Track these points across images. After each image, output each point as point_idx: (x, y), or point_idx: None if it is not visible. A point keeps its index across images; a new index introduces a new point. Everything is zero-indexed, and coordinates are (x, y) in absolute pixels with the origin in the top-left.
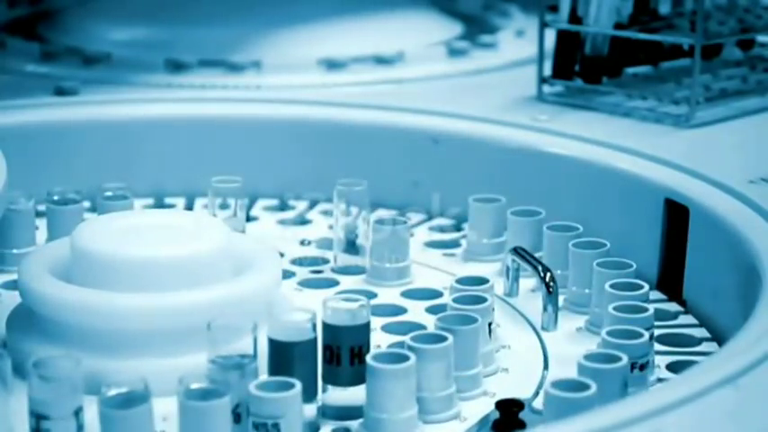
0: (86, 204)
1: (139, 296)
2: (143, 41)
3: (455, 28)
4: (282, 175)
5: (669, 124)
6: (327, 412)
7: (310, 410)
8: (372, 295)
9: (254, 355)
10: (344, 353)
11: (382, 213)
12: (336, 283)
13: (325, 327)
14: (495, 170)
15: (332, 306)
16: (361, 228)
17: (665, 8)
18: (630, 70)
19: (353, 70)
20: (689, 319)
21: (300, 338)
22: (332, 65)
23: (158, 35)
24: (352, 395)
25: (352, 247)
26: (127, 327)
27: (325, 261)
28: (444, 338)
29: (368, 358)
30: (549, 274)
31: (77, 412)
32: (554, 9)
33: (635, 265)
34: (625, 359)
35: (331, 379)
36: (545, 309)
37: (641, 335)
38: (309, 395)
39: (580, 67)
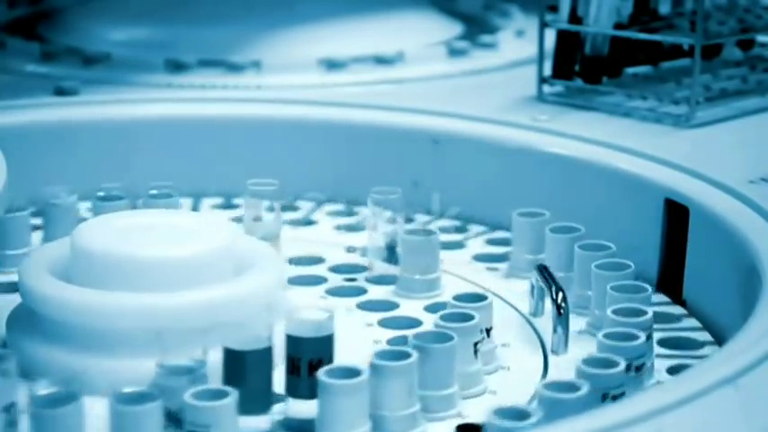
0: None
1: (140, 296)
2: (143, 41)
3: (455, 28)
4: (282, 175)
5: (669, 124)
6: (288, 424)
7: (264, 422)
8: (394, 306)
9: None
10: (304, 365)
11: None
12: (364, 292)
13: (287, 338)
14: (495, 170)
15: (295, 317)
16: (398, 236)
17: (665, 8)
18: (630, 70)
19: (353, 70)
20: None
21: (253, 347)
22: (332, 65)
23: (158, 35)
24: (313, 408)
25: (392, 255)
26: (127, 327)
27: (365, 269)
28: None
29: (319, 373)
30: (561, 295)
31: (9, 408)
32: (554, 9)
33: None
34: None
35: (291, 391)
36: (555, 330)
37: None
38: (263, 406)
39: (580, 67)
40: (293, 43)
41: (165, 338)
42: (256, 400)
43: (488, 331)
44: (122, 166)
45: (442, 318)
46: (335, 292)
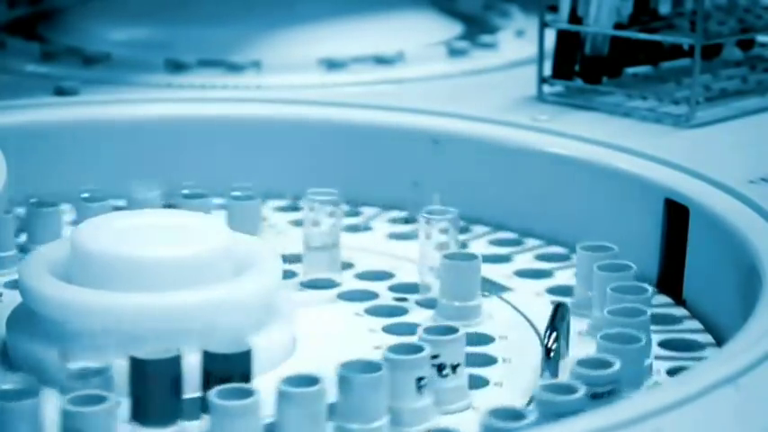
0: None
1: (140, 296)
2: (143, 41)
3: (455, 28)
4: (282, 175)
5: (669, 124)
6: None
7: None
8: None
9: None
10: (214, 381)
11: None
12: (402, 313)
13: (203, 353)
14: (495, 170)
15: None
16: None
17: (665, 8)
18: (630, 70)
19: (353, 70)
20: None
21: (158, 356)
22: (332, 65)
23: (158, 35)
24: None
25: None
26: (126, 327)
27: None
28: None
29: (211, 393)
30: (553, 336)
31: None
32: (554, 9)
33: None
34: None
35: (204, 407)
36: (541, 374)
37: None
38: (165, 419)
39: (580, 67)
40: (293, 43)
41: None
42: (158, 412)
43: (455, 367)
44: (122, 166)
45: (390, 349)
46: (373, 311)
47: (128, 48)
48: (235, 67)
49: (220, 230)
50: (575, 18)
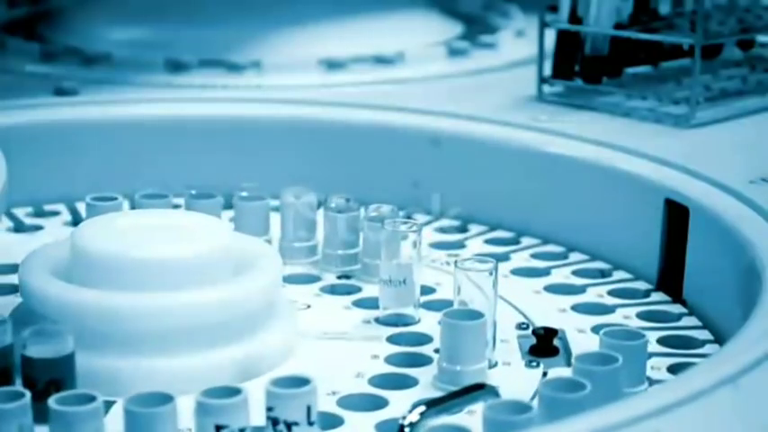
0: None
1: (140, 296)
2: (143, 41)
3: (455, 28)
4: (282, 175)
5: (669, 124)
6: None
7: None
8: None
9: None
10: (41, 386)
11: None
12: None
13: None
14: (495, 170)
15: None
16: None
17: (665, 8)
18: (630, 70)
19: (353, 70)
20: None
21: (45, 355)
22: (332, 65)
23: (158, 35)
24: None
25: None
26: (127, 327)
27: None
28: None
29: (50, 400)
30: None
31: None
32: (554, 9)
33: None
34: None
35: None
36: None
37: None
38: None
39: (580, 67)
40: (293, 43)
41: None
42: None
43: (290, 426)
44: (122, 167)
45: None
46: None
47: (128, 48)
48: (235, 67)
49: (220, 230)
50: (575, 18)
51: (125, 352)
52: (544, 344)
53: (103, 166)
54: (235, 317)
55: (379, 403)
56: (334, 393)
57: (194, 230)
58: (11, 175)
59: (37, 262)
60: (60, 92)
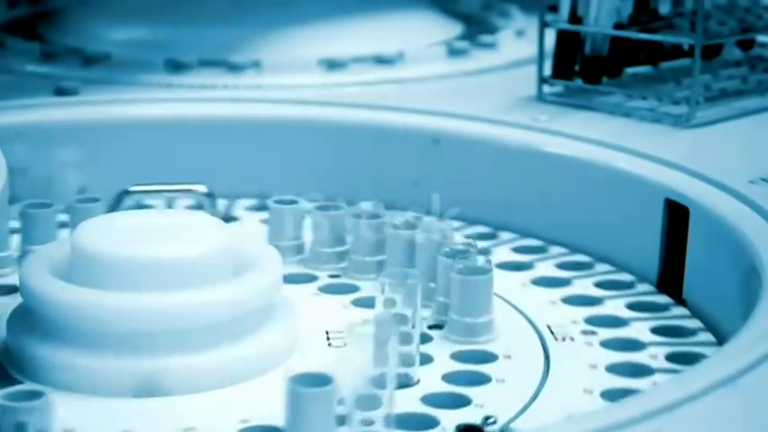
0: None
1: (140, 296)
2: (143, 41)
3: (455, 28)
4: (282, 176)
5: (669, 124)
6: None
7: None
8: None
9: None
10: None
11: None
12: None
13: None
14: (495, 170)
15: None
16: None
17: (665, 8)
18: (630, 70)
19: (353, 70)
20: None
21: None
22: (332, 65)
23: (158, 35)
24: None
25: None
26: (127, 327)
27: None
28: None
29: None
30: None
31: None
32: (554, 9)
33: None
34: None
35: None
36: None
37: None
38: None
39: (580, 67)
40: (293, 43)
41: None
42: None
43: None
44: (122, 166)
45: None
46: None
47: (128, 48)
48: (235, 67)
49: (220, 230)
50: (575, 18)
51: (125, 352)
52: None
53: (103, 166)
54: (235, 317)
55: None
56: None
57: (194, 230)
58: (11, 174)
59: (37, 261)
60: (60, 92)
